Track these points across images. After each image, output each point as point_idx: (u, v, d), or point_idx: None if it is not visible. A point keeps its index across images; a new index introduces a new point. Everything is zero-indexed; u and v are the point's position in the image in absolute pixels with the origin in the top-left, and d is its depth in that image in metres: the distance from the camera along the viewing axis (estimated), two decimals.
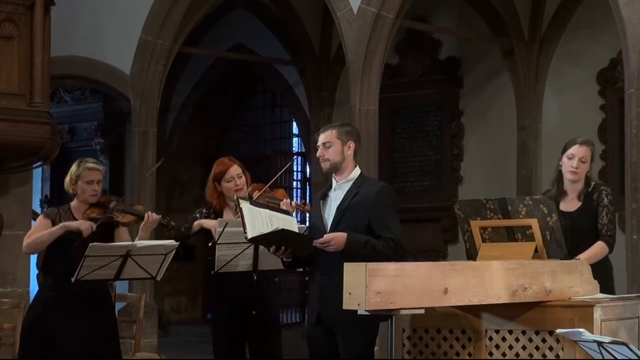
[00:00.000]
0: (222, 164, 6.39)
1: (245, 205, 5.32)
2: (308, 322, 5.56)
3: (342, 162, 5.48)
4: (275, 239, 5.29)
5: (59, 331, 6.09)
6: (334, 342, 5.40)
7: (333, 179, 5.56)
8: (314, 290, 5.49)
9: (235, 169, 6.35)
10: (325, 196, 5.56)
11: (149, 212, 6.32)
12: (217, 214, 6.28)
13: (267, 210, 5.39)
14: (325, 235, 5.31)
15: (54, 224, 6.22)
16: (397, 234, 5.40)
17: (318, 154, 5.51)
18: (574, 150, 5.92)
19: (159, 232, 9.07)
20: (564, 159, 5.95)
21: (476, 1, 12.04)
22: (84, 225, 6.10)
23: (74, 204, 6.34)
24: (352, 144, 5.49)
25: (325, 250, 5.29)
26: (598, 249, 5.79)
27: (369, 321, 4.99)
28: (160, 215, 6.39)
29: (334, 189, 5.53)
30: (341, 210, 5.42)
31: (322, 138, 5.50)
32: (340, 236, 5.28)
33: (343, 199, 5.45)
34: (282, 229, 5.23)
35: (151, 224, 6.29)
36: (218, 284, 6.22)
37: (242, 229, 5.61)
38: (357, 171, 5.53)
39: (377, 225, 5.38)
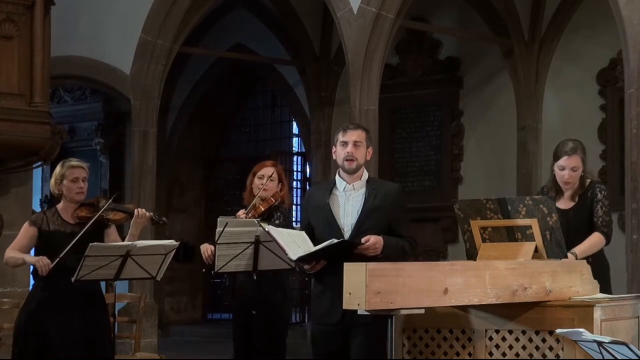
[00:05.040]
0: (261, 165, 6.56)
1: (270, 228, 5.26)
2: (322, 320, 5.40)
3: (362, 165, 5.48)
4: (322, 253, 5.19)
5: (52, 329, 6.08)
6: (346, 341, 5.35)
7: (340, 179, 5.48)
8: (333, 288, 5.16)
9: (268, 170, 6.47)
10: (329, 196, 5.48)
11: (139, 209, 6.28)
12: None
13: (283, 229, 5.39)
14: (370, 239, 5.23)
15: (40, 230, 6.19)
16: (411, 233, 5.52)
17: (348, 150, 5.41)
18: (564, 162, 5.85)
19: (159, 232, 9.09)
20: (556, 169, 5.90)
21: (476, 1, 12.03)
22: (38, 263, 6.03)
23: (61, 205, 6.29)
24: (371, 150, 5.55)
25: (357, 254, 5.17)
26: (595, 239, 5.76)
27: (385, 320, 4.97)
28: (151, 213, 6.36)
29: (344, 190, 5.46)
30: (366, 211, 5.39)
31: (354, 136, 5.44)
32: (380, 240, 5.27)
33: (366, 200, 5.42)
34: (344, 240, 5.21)
35: (141, 220, 6.22)
36: (230, 283, 6.24)
37: (241, 228, 5.64)
38: (366, 173, 5.55)
39: (398, 226, 5.45)
